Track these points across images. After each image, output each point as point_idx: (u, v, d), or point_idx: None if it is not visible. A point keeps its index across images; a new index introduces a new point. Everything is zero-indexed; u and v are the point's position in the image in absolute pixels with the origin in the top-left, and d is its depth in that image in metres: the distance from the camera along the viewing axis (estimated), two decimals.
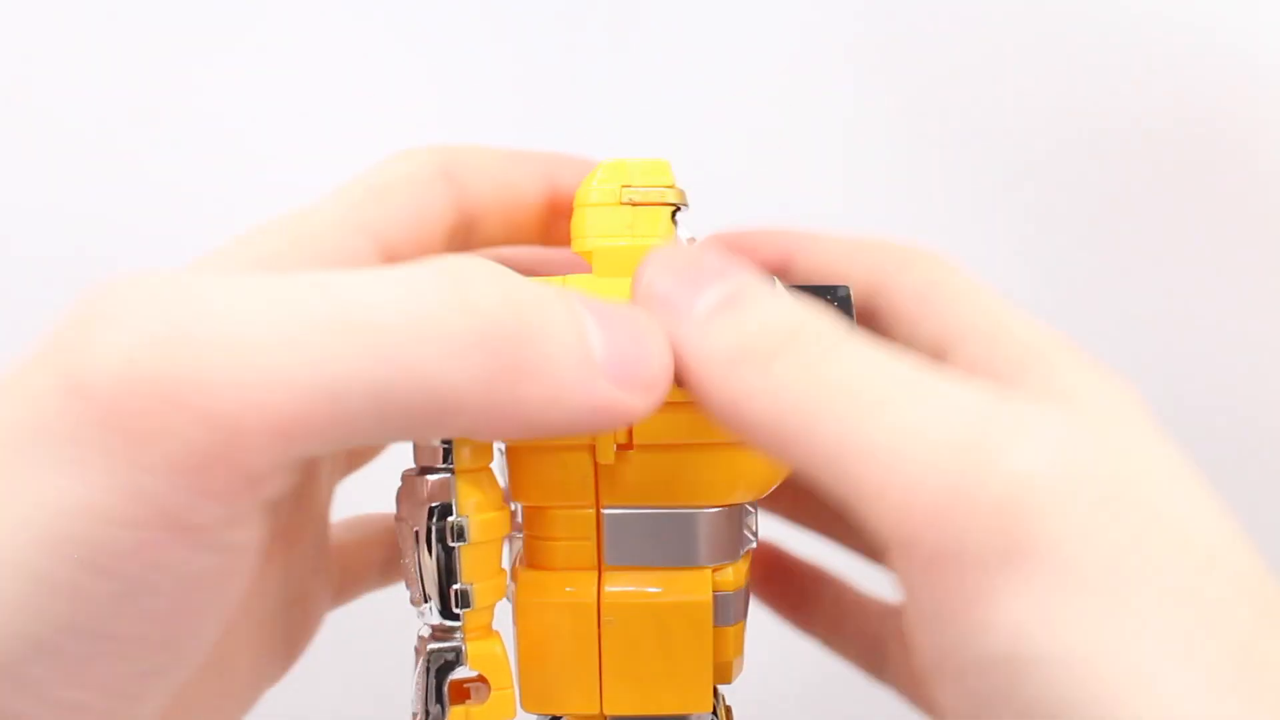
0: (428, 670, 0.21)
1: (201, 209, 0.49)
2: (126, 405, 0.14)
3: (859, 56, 0.47)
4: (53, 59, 0.48)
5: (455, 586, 0.21)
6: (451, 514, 0.21)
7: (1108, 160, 0.48)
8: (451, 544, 0.21)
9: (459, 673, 0.21)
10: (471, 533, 0.21)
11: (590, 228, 0.22)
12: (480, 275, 0.17)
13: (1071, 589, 0.15)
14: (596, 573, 0.22)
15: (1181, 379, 0.47)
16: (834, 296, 0.23)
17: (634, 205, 0.22)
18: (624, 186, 0.23)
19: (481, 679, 0.21)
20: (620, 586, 0.22)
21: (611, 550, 0.22)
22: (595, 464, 0.22)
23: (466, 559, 0.21)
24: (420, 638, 0.21)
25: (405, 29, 0.48)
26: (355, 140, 0.48)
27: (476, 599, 0.21)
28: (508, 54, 0.47)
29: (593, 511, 0.22)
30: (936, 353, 0.22)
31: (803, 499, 0.28)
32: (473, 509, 0.21)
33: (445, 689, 0.21)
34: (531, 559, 0.23)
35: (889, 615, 0.28)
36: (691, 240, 0.23)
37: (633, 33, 0.46)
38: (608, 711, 0.23)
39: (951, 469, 0.16)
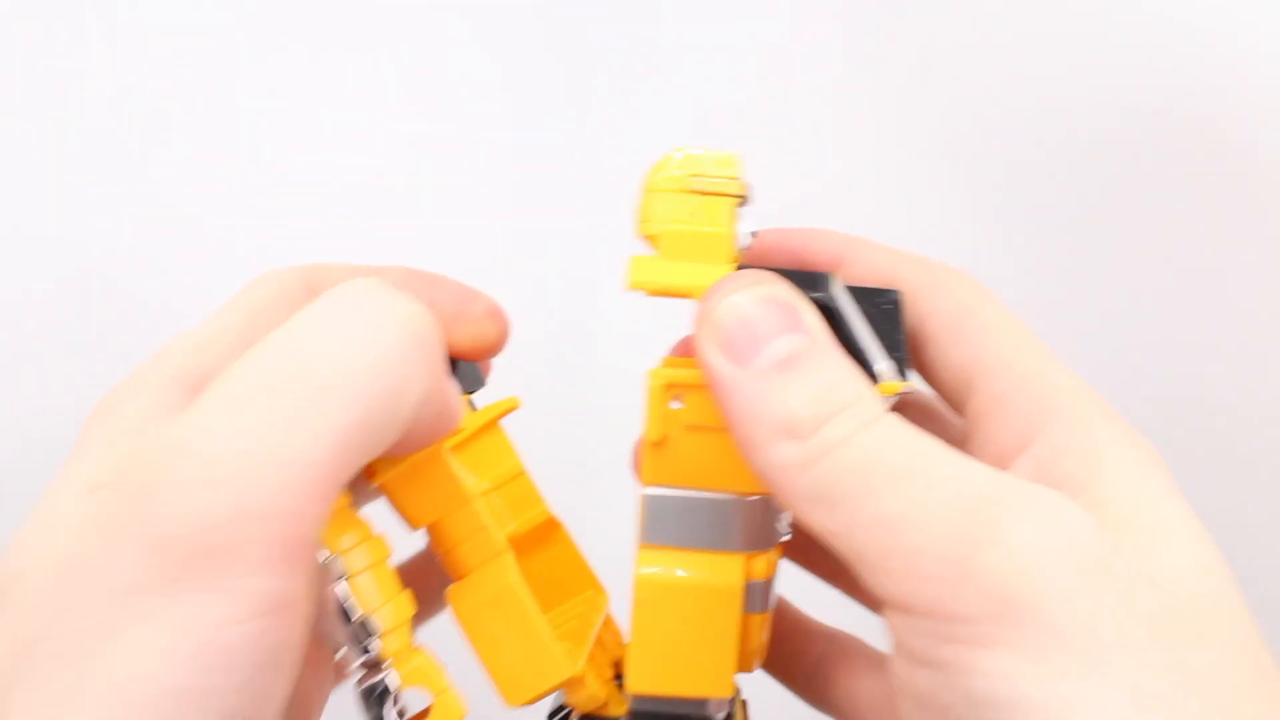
0: (365, 708, 0.21)
1: (202, 202, 0.49)
2: (206, 542, 0.17)
3: (850, 46, 0.47)
4: (49, 51, 0.48)
5: (355, 619, 0.21)
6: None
7: (1100, 150, 0.47)
8: (335, 581, 0.21)
9: (409, 704, 0.22)
10: (347, 565, 0.21)
11: (656, 212, 0.23)
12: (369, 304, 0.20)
13: (1054, 646, 0.17)
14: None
15: (1175, 369, 0.47)
16: (886, 301, 0.23)
17: (700, 194, 0.23)
18: (692, 175, 0.23)
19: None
20: (653, 567, 0.23)
21: (650, 529, 0.23)
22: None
23: (356, 590, 0.21)
24: (355, 685, 0.22)
25: (400, 30, 0.48)
26: (355, 134, 0.49)
27: (383, 623, 0.21)
28: (501, 47, 0.47)
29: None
30: (963, 380, 0.22)
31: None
32: (343, 545, 0.21)
33: (390, 717, 0.22)
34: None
35: (831, 640, 0.28)
36: (754, 235, 0.23)
37: (625, 25, 0.47)
38: (631, 690, 0.23)
39: (958, 540, 0.18)
